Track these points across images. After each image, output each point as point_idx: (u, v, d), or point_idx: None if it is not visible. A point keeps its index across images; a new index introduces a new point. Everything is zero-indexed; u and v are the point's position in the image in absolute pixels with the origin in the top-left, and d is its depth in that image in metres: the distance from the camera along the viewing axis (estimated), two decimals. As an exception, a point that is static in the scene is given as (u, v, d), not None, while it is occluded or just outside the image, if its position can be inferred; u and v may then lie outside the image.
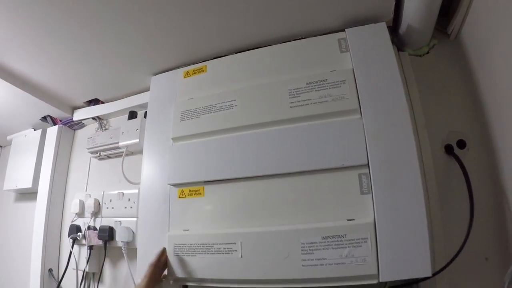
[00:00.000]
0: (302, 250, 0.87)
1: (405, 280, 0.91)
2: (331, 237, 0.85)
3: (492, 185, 0.95)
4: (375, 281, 0.81)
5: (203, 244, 0.97)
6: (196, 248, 0.98)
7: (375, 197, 0.85)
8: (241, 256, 0.92)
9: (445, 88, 1.06)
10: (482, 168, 0.96)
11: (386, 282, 0.91)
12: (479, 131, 0.99)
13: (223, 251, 0.94)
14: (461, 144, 1.00)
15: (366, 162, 0.87)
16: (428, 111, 1.03)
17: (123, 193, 1.34)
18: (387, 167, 0.86)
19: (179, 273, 0.99)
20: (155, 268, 0.97)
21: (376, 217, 0.84)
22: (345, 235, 0.84)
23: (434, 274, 0.86)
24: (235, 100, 1.06)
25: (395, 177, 0.85)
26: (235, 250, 0.93)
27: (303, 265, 0.86)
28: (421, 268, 0.79)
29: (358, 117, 0.92)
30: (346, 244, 0.83)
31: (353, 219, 0.86)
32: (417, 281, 0.91)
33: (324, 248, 0.85)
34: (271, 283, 0.90)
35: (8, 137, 1.88)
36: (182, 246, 1.00)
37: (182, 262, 0.99)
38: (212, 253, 0.95)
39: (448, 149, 1.00)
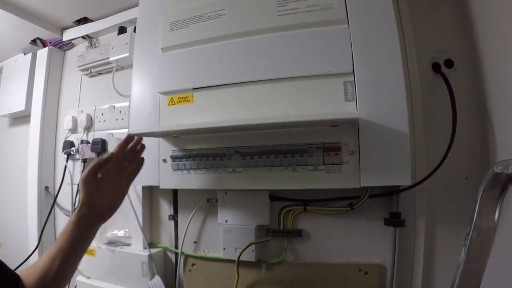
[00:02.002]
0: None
1: (385, 190, 1.00)
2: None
3: (476, 106, 0.98)
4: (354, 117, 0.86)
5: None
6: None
7: (358, 104, 0.89)
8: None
9: (436, 8, 1.06)
10: (467, 89, 0.99)
11: (367, 190, 0.99)
12: (467, 53, 1.01)
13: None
14: (449, 63, 1.02)
15: (351, 70, 0.91)
16: (418, 29, 1.04)
17: (114, 106, 1.39)
18: (371, 76, 0.89)
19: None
20: (85, 180, 0.82)
21: (359, 123, 0.89)
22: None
23: (414, 185, 0.93)
24: (223, 9, 1.07)
25: (379, 86, 0.88)
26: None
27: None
28: (401, 177, 0.85)
29: (345, 27, 0.93)
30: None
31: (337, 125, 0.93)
32: (397, 191, 0.98)
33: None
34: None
35: (-1, 64, 1.92)
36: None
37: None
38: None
39: (435, 67, 1.02)
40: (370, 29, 0.92)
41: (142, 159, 0.95)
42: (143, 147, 0.96)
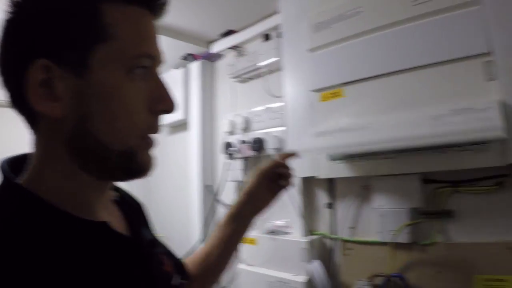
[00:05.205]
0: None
1: None
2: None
3: None
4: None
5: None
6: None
7: (501, 83, 0.94)
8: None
9: None
10: None
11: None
12: None
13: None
14: None
15: (487, 50, 0.95)
16: None
17: (268, 107, 1.61)
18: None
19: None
20: (262, 174, 0.95)
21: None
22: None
23: None
24: (361, 6, 1.20)
25: None
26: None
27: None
28: None
29: (478, 8, 0.98)
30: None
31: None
32: None
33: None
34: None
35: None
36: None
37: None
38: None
39: None
40: (505, 6, 0.96)
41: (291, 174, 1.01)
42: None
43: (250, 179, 0.96)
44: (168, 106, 0.57)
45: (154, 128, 0.57)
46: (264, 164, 0.97)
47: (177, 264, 0.82)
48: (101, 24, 0.49)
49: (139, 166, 0.55)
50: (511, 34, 0.94)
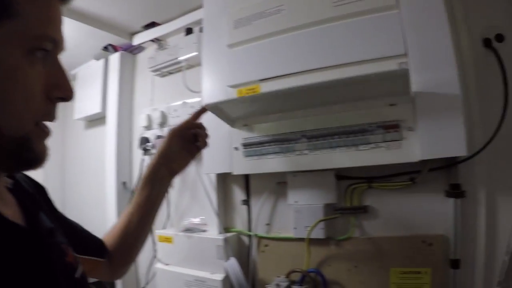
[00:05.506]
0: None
1: (444, 163, 1.09)
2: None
3: None
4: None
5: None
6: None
7: (413, 82, 0.99)
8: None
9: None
10: None
11: (426, 164, 1.08)
12: None
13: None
14: (500, 38, 1.08)
15: (404, 52, 1.01)
16: (468, 7, 1.11)
17: (186, 102, 1.58)
18: (423, 56, 1.00)
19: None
20: (174, 134, 0.95)
21: (415, 100, 1.01)
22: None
23: (471, 156, 1.02)
24: (282, 4, 1.21)
25: (431, 64, 1.00)
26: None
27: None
28: (457, 148, 0.96)
29: (397, 12, 1.04)
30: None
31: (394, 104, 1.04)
32: (456, 163, 1.06)
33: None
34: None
35: (73, 72, 2.16)
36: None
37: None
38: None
39: (487, 43, 1.09)
40: (419, 12, 1.02)
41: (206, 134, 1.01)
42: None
43: (163, 140, 0.94)
44: (66, 93, 0.53)
45: (50, 116, 0.53)
46: (176, 124, 0.96)
47: (96, 243, 0.82)
48: (6, 1, 0.45)
49: (34, 155, 0.51)
50: (424, 38, 1.01)
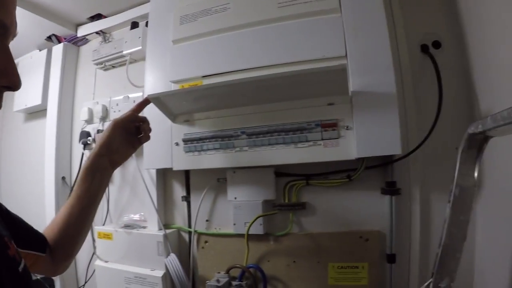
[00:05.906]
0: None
1: (381, 161, 1.14)
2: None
3: (463, 81, 1.12)
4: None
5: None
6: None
7: (352, 83, 1.05)
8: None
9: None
10: (454, 66, 1.13)
11: (363, 162, 1.14)
12: (454, 34, 1.14)
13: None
14: (437, 44, 1.16)
15: (345, 54, 1.07)
16: (407, 14, 1.19)
17: (128, 96, 1.56)
18: (362, 58, 1.05)
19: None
20: (117, 125, 0.93)
21: (352, 101, 1.05)
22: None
23: (406, 155, 1.08)
24: (229, 3, 1.24)
25: (370, 67, 1.05)
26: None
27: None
28: (392, 147, 1.01)
29: (339, 15, 1.09)
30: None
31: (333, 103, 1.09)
32: (392, 161, 1.13)
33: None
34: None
35: (15, 61, 2.09)
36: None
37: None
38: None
39: (424, 49, 1.16)
40: (361, 16, 1.08)
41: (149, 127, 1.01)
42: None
43: (105, 130, 0.93)
44: (12, 82, 0.52)
45: None
46: (120, 115, 0.96)
47: (38, 238, 0.81)
48: None
49: None
50: (364, 41, 1.06)
